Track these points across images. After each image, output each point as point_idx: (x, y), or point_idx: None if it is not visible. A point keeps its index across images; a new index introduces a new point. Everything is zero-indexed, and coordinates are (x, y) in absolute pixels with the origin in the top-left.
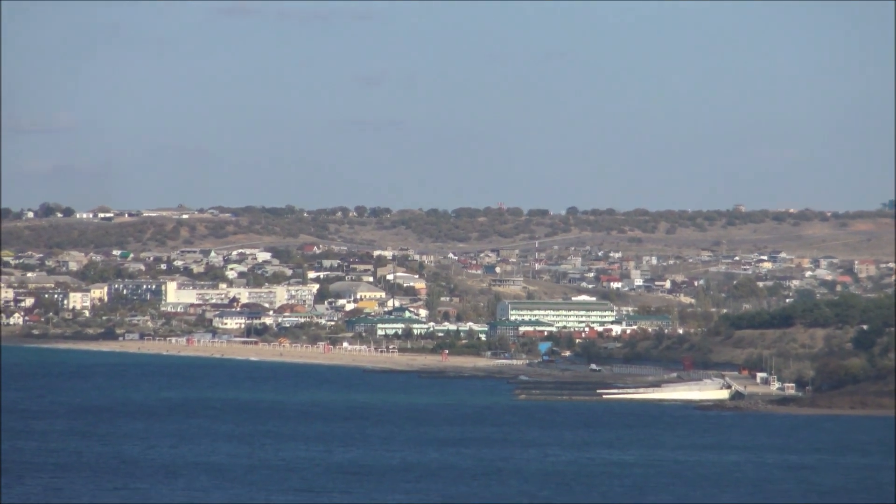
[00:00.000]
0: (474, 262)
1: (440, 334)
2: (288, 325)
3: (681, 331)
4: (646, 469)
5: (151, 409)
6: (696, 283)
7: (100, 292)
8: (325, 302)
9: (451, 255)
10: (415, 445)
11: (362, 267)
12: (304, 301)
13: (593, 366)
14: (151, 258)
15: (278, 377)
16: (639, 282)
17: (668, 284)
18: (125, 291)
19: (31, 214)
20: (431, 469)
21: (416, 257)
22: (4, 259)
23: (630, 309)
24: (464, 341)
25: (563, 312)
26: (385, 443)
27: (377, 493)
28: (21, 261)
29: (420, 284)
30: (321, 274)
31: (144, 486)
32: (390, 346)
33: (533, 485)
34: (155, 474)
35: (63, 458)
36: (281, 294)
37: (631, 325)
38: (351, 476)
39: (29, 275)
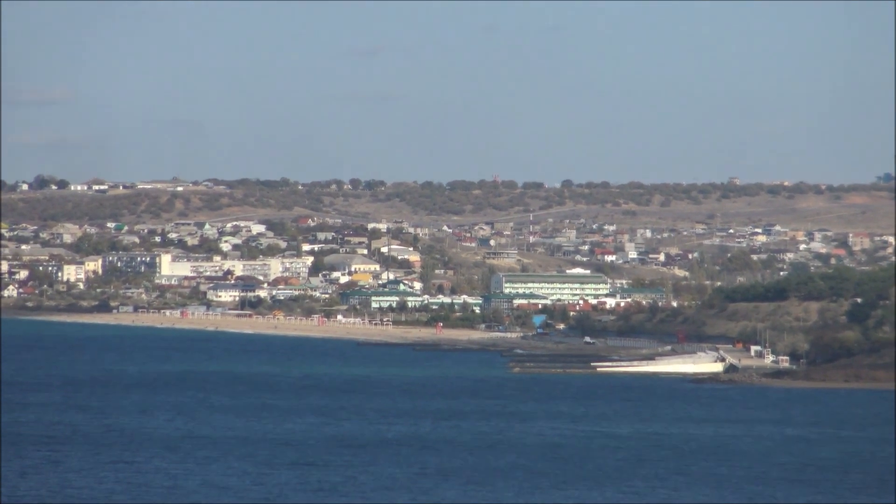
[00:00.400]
0: (469, 234)
1: (434, 307)
2: (282, 298)
3: (675, 304)
4: (641, 441)
5: (146, 381)
6: (690, 256)
7: (94, 265)
8: (320, 274)
9: (445, 227)
10: (410, 418)
11: (357, 239)
12: (299, 274)
13: (587, 339)
14: (146, 230)
15: (273, 350)
16: (633, 255)
17: (662, 257)
18: (119, 264)
19: (25, 187)
20: (428, 441)
21: (411, 230)
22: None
23: (624, 282)
24: (458, 314)
25: (558, 285)
26: (380, 415)
27: (374, 466)
28: (15, 233)
29: (414, 257)
30: (315, 247)
31: (140, 458)
32: (384, 319)
33: (529, 457)
34: (152, 447)
35: (59, 431)
36: (275, 267)
37: (625, 298)
38: (346, 449)
39: (23, 247)
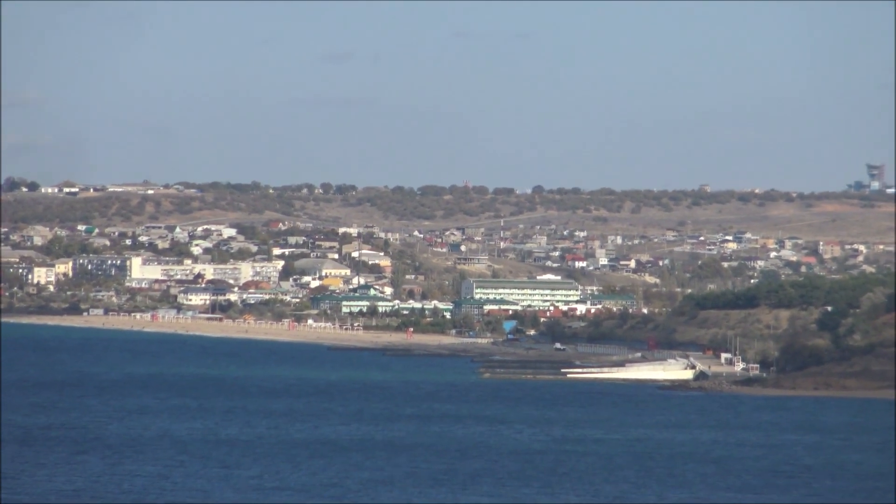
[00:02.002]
0: (440, 240)
1: (405, 312)
2: (253, 302)
3: (645, 310)
4: (611, 446)
5: (115, 384)
6: (660, 263)
7: (64, 267)
8: (290, 279)
9: (416, 232)
10: (380, 421)
11: (327, 244)
12: (269, 278)
13: (558, 345)
14: (116, 233)
15: (242, 353)
16: (604, 261)
17: (632, 264)
18: (90, 267)
19: None
20: (398, 445)
21: (382, 235)
22: None
23: (595, 288)
24: (429, 319)
25: (528, 291)
26: (349, 419)
27: (343, 469)
28: None
29: (385, 262)
30: (286, 251)
31: (111, 461)
32: (355, 324)
33: (500, 461)
34: (122, 449)
35: (32, 433)
36: (246, 270)
37: (595, 305)
38: (314, 451)
39: None
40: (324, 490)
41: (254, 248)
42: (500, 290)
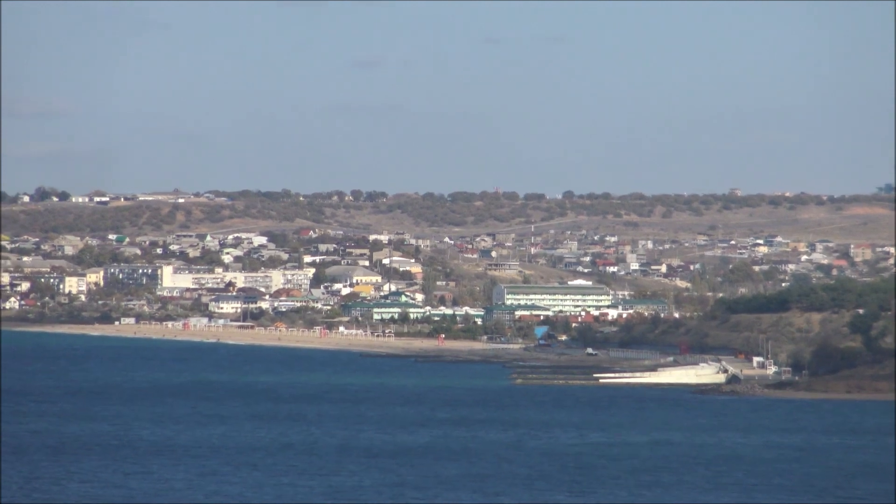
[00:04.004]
0: (470, 246)
1: (436, 318)
2: (284, 310)
3: (677, 315)
4: (646, 450)
5: (147, 391)
6: (691, 268)
7: (96, 276)
8: (322, 286)
9: (447, 239)
10: (414, 427)
11: (358, 251)
12: (300, 285)
13: (589, 350)
14: (147, 242)
15: (274, 361)
16: (635, 266)
17: (664, 268)
18: (121, 276)
19: (26, 198)
20: (432, 450)
21: (413, 241)
22: (0, 243)
23: (626, 293)
24: (460, 325)
25: (560, 297)
26: (383, 425)
27: (378, 474)
28: (17, 245)
29: (416, 269)
30: (317, 258)
31: (154, 467)
32: (386, 331)
33: (538, 465)
34: (154, 456)
35: (68, 440)
36: (277, 278)
37: (627, 310)
38: (348, 457)
39: (25, 259)
40: (358, 495)
41: (285, 256)
42: (532, 296)
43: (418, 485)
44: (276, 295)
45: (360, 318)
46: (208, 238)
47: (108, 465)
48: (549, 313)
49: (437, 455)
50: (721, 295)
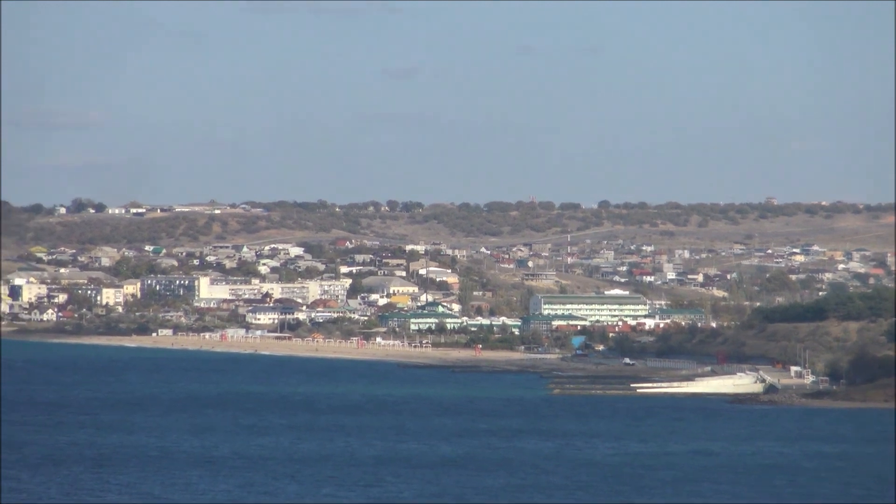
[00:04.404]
0: (507, 256)
1: (473, 329)
2: (321, 321)
3: (714, 324)
4: (685, 459)
5: (185, 402)
6: (728, 277)
7: (132, 288)
8: (358, 297)
9: (483, 249)
10: (453, 437)
11: (394, 261)
12: (337, 296)
13: (627, 359)
14: (184, 253)
15: (312, 372)
16: (671, 275)
17: (700, 278)
18: (158, 287)
19: (63, 210)
20: (472, 461)
21: (449, 252)
22: (37, 255)
23: (663, 303)
24: (497, 336)
25: (596, 306)
26: (422, 435)
27: (419, 485)
28: (54, 256)
29: (453, 279)
30: (353, 269)
31: (183, 480)
32: (423, 341)
33: (574, 475)
34: (195, 467)
35: (102, 451)
36: (313, 289)
37: (664, 319)
38: (389, 468)
39: (62, 270)
40: None
41: (321, 267)
42: (568, 306)
43: (458, 495)
44: (313, 306)
45: (396, 329)
46: (245, 249)
47: (148, 476)
48: (586, 323)
49: (476, 466)
50: (758, 304)
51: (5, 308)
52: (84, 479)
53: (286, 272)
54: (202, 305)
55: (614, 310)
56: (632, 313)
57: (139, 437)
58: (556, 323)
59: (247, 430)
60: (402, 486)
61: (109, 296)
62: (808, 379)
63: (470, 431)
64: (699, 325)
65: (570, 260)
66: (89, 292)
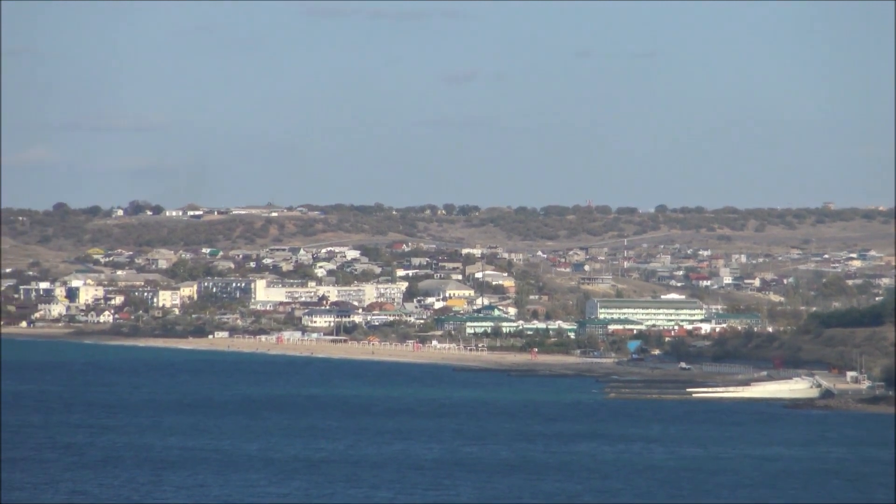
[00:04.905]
0: (563, 260)
1: (529, 332)
2: (377, 324)
3: (770, 329)
4: (743, 464)
5: (243, 405)
6: (785, 281)
7: (189, 290)
8: (414, 300)
9: (539, 253)
10: (510, 441)
11: (451, 265)
12: (393, 299)
13: (683, 364)
14: (240, 256)
15: (369, 375)
16: (728, 280)
17: (757, 282)
18: (214, 289)
19: (120, 212)
20: (531, 464)
21: (505, 255)
22: (94, 257)
23: (719, 307)
24: (553, 339)
25: (653, 311)
26: (480, 439)
27: (478, 489)
28: (111, 259)
29: (509, 283)
30: (410, 272)
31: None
32: (479, 345)
33: (632, 479)
34: (260, 468)
35: (162, 453)
36: (370, 292)
37: (720, 324)
38: (447, 472)
39: (118, 273)
40: None
41: (377, 270)
42: (625, 310)
43: (515, 499)
44: (369, 309)
45: (452, 332)
46: (301, 252)
47: (208, 477)
48: (643, 327)
49: (533, 470)
50: (814, 309)
51: (62, 310)
52: (143, 481)
53: (342, 275)
54: (258, 308)
55: (670, 314)
56: (688, 318)
57: (197, 440)
58: (612, 327)
59: (304, 433)
60: (459, 490)
61: (166, 298)
62: (865, 384)
63: (527, 435)
64: (755, 329)
65: (626, 264)
66: (146, 294)
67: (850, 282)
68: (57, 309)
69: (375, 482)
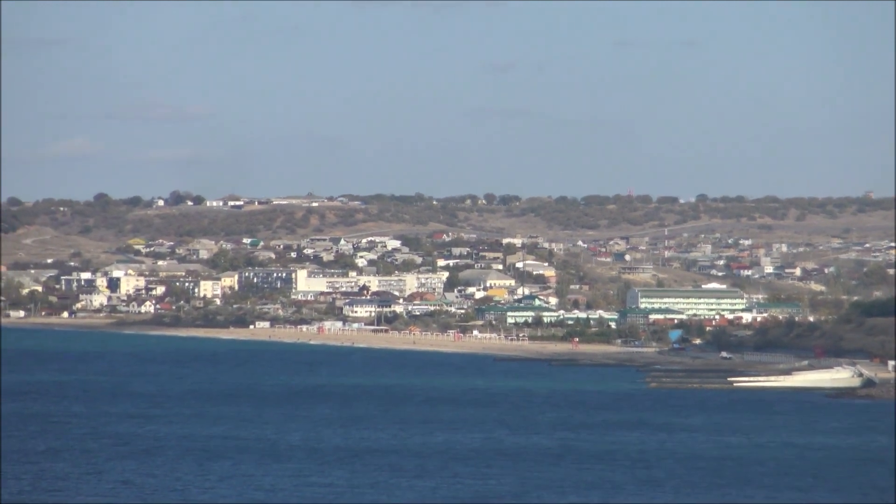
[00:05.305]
0: (604, 249)
1: (570, 322)
2: (418, 313)
3: (811, 318)
4: (786, 452)
5: (287, 395)
6: (826, 271)
7: (230, 280)
8: (455, 290)
9: (580, 242)
10: (553, 430)
11: (492, 255)
12: (434, 289)
13: (724, 353)
14: (281, 246)
15: (410, 365)
16: (769, 269)
17: (798, 272)
18: (255, 280)
19: (161, 203)
20: (570, 452)
21: (546, 245)
22: (135, 247)
23: (760, 296)
24: (594, 329)
25: (694, 300)
26: (522, 428)
27: (520, 478)
28: (152, 249)
29: (550, 272)
30: (451, 262)
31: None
32: (520, 334)
33: (675, 468)
34: (304, 459)
35: (203, 443)
36: (411, 282)
37: (761, 313)
38: (489, 461)
39: (160, 263)
40: (512, 499)
41: (418, 260)
42: (666, 300)
43: (556, 488)
44: (410, 299)
45: (493, 322)
46: (342, 242)
47: (253, 467)
48: (683, 317)
49: (574, 458)
50: (856, 298)
51: (104, 300)
52: (187, 471)
53: (383, 265)
54: (299, 298)
55: (711, 304)
56: (729, 307)
57: (240, 429)
58: (652, 317)
59: (346, 423)
60: (499, 479)
61: (207, 288)
62: None
63: (569, 424)
64: (797, 319)
65: (667, 254)
66: (187, 284)
67: (891, 271)
68: (98, 299)
69: (419, 471)
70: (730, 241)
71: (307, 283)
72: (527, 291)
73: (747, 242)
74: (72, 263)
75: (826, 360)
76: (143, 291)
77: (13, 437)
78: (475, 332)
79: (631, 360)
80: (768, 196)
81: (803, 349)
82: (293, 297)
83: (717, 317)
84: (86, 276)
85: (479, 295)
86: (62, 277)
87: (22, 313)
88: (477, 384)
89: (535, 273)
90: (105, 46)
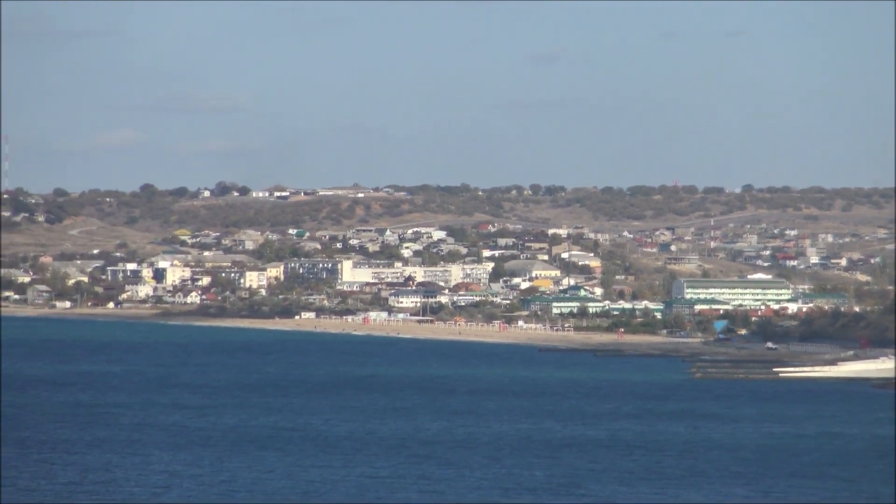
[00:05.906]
0: (649, 240)
1: (615, 313)
2: (463, 304)
3: (857, 308)
4: (827, 442)
5: (332, 385)
6: (872, 261)
7: (276, 271)
8: (500, 280)
9: (625, 233)
10: (600, 420)
11: (537, 245)
12: (480, 279)
13: (769, 344)
14: (327, 237)
15: (455, 355)
16: (815, 259)
17: (844, 262)
18: (301, 270)
19: (207, 193)
20: (615, 442)
21: (591, 235)
22: (181, 238)
23: (806, 287)
24: (639, 320)
25: (739, 291)
26: (567, 418)
27: (568, 466)
28: (198, 240)
29: (595, 263)
30: (496, 252)
31: (339, 462)
32: (565, 325)
33: (722, 459)
34: (351, 450)
35: (244, 433)
36: (456, 273)
37: (807, 303)
38: (536, 451)
39: (205, 254)
40: (559, 489)
41: (464, 250)
42: (711, 290)
43: (598, 478)
44: (456, 289)
45: (538, 313)
46: (388, 232)
47: (300, 458)
48: (729, 307)
49: (618, 448)
50: None
51: (149, 291)
52: (236, 461)
53: (429, 255)
54: (345, 289)
55: (757, 294)
56: (775, 297)
57: (288, 419)
58: (698, 307)
59: (393, 413)
60: (552, 470)
61: (253, 279)
62: None
63: (612, 414)
64: (842, 309)
65: (712, 244)
66: (233, 275)
67: None
68: (144, 290)
69: (468, 462)
70: (775, 232)
71: (352, 274)
72: (572, 282)
73: (793, 233)
74: (118, 254)
75: (871, 351)
76: (189, 282)
77: (64, 426)
78: (520, 323)
79: (676, 350)
80: (814, 186)
81: (849, 339)
82: (338, 287)
83: (762, 307)
84: (131, 266)
85: (525, 285)
86: (108, 268)
87: (68, 304)
88: (522, 375)
89: (580, 264)
90: (151, 39)
